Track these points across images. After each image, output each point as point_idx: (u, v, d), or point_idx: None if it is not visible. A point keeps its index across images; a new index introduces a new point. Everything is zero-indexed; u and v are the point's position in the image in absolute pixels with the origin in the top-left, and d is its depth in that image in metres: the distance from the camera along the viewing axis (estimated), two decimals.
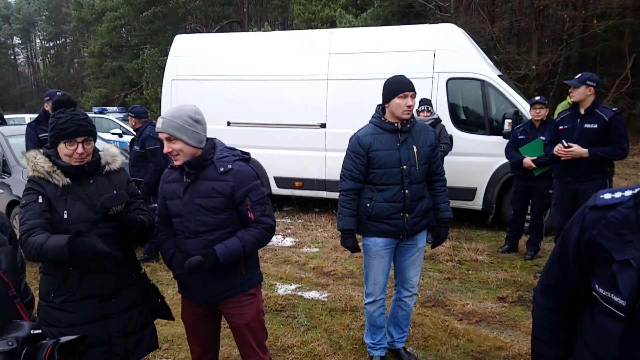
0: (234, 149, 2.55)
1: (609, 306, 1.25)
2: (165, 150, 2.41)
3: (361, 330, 3.78)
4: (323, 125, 7.63)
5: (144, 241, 2.36)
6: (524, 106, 6.66)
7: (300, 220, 7.97)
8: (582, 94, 4.65)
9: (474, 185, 6.98)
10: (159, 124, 2.39)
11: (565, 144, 4.69)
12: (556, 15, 17.98)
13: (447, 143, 6.30)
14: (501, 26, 17.52)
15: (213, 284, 2.49)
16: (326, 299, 4.69)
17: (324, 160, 7.62)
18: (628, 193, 1.25)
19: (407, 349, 3.58)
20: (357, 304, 4.41)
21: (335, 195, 6.17)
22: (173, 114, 2.38)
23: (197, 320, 2.64)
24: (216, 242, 2.40)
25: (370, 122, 3.30)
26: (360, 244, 3.36)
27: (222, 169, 2.42)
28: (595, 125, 4.57)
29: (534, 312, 1.57)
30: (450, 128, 6.84)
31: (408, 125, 3.21)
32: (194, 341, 2.69)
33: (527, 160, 5.54)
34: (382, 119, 3.23)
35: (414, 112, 6.15)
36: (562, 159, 4.76)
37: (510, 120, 6.34)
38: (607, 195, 1.30)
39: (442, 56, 7.01)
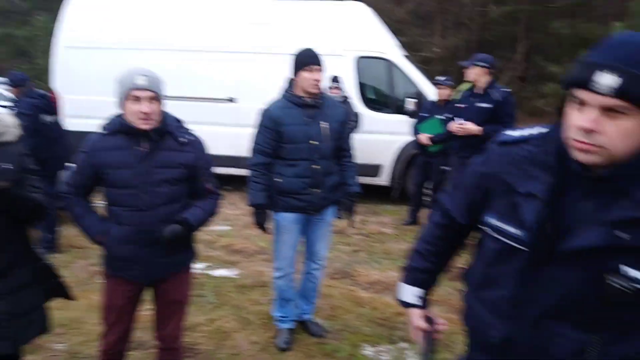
0: (177, 119, 2.46)
1: (502, 238, 1.29)
2: (146, 109, 2.22)
3: (270, 305, 3.81)
4: (232, 100, 7.48)
5: (38, 221, 2.15)
6: (427, 87, 6.97)
7: None
8: (475, 74, 4.95)
9: (379, 162, 7.24)
10: (141, 80, 2.20)
11: (459, 122, 5.00)
12: (459, 0, 18.87)
13: (355, 121, 6.45)
14: (407, 8, 18.08)
15: (160, 260, 2.40)
16: (236, 276, 4.67)
17: (233, 136, 7.50)
18: (529, 132, 1.32)
19: (315, 320, 3.68)
20: (267, 280, 4.43)
21: (246, 172, 6.11)
22: (148, 71, 2.25)
23: (128, 303, 2.49)
24: (171, 215, 2.33)
25: (280, 95, 3.29)
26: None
27: (182, 140, 2.35)
28: (489, 105, 4.89)
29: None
30: (358, 106, 7.00)
31: (318, 100, 3.21)
32: (117, 324, 2.50)
33: (421, 137, 5.85)
34: (292, 92, 3.22)
35: (326, 89, 6.25)
36: (458, 135, 5.07)
37: (413, 100, 6.62)
38: (512, 132, 1.36)
39: (351, 34, 7.12)
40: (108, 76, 7.49)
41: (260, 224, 3.32)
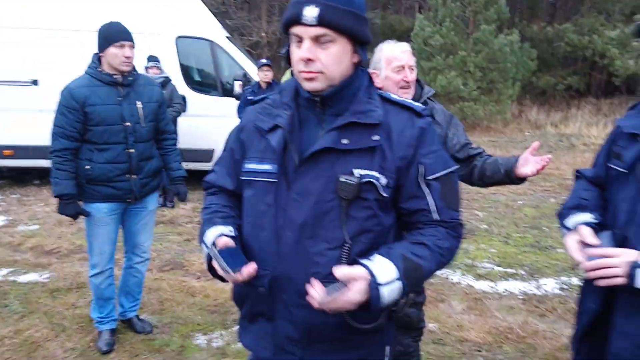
0: None
1: (257, 179, 1.39)
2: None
3: (89, 307, 3.45)
4: (35, 82, 6.57)
5: None
6: (251, 69, 6.94)
7: (14, 195, 6.85)
8: None
9: (211, 147, 7.03)
10: None
11: None
12: None
13: (180, 103, 6.14)
14: None
15: None
16: (47, 280, 4.14)
17: (38, 123, 6.59)
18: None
19: (140, 317, 3.42)
20: (85, 280, 4.00)
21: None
22: None
23: None
24: None
25: (85, 72, 2.95)
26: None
27: None
28: None
29: None
30: (184, 88, 6.69)
31: (130, 79, 2.97)
32: None
33: None
34: (99, 69, 2.91)
35: (143, 69, 5.82)
36: None
37: (239, 82, 6.54)
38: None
39: (169, 13, 6.73)
40: None
41: (71, 214, 2.96)
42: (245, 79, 6.63)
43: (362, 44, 1.32)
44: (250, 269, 1.31)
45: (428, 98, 2.53)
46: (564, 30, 15.06)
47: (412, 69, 2.40)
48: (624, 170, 1.55)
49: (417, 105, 1.40)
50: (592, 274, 1.44)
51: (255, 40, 16.70)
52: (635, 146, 1.54)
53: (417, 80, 2.49)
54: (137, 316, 3.39)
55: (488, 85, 13.62)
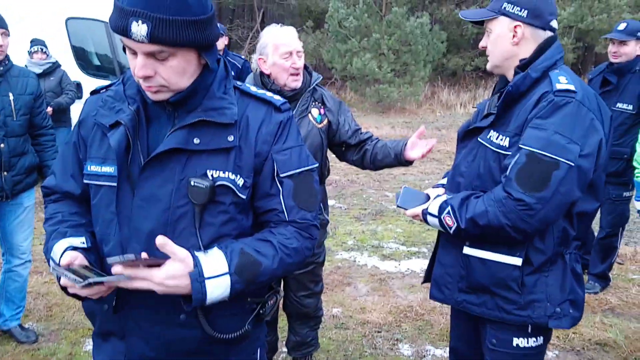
0: None
1: (98, 182, 1.27)
2: None
3: None
4: None
5: None
6: None
7: None
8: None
9: None
10: None
11: None
12: None
13: (73, 90, 5.70)
14: None
15: None
16: None
17: None
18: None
19: (24, 325, 3.16)
20: None
21: None
22: None
23: None
24: None
25: None
26: None
27: None
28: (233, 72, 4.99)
29: None
30: (78, 74, 6.23)
31: (1, 68, 2.80)
32: None
33: None
34: None
35: (27, 55, 5.34)
36: None
37: None
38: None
39: None
40: None
41: None
42: None
43: (208, 48, 1.20)
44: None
45: (317, 85, 2.50)
46: None
47: (300, 55, 2.36)
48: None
49: (277, 99, 1.34)
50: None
51: None
52: (469, 120, 1.89)
53: (305, 67, 2.45)
54: (20, 325, 3.13)
55: (401, 67, 13.94)
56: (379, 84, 13.53)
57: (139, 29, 1.06)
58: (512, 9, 1.63)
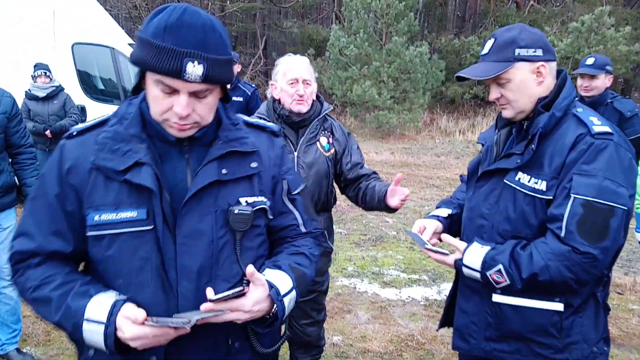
0: None
1: (118, 230, 1.18)
2: None
3: None
4: None
5: None
6: None
7: None
8: None
9: None
10: None
11: None
12: None
13: (77, 113, 5.76)
14: None
15: None
16: None
17: None
18: (100, 118, 1.29)
19: (21, 350, 3.13)
20: None
21: None
22: None
23: None
24: None
25: None
26: None
27: None
28: (241, 98, 5.11)
29: None
30: (82, 98, 6.30)
31: None
32: None
33: None
34: None
35: (30, 78, 5.41)
36: None
37: None
38: (80, 124, 1.32)
39: (63, 18, 6.32)
40: None
41: None
42: None
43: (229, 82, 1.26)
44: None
45: (327, 114, 2.53)
46: (469, 42, 15.94)
47: (308, 84, 2.39)
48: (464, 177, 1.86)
49: (272, 125, 1.43)
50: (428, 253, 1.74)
51: None
52: (479, 156, 1.85)
53: (317, 97, 2.49)
54: (17, 349, 3.09)
55: (401, 94, 14.10)
56: (378, 110, 13.67)
57: (195, 69, 1.07)
58: (527, 52, 1.58)
